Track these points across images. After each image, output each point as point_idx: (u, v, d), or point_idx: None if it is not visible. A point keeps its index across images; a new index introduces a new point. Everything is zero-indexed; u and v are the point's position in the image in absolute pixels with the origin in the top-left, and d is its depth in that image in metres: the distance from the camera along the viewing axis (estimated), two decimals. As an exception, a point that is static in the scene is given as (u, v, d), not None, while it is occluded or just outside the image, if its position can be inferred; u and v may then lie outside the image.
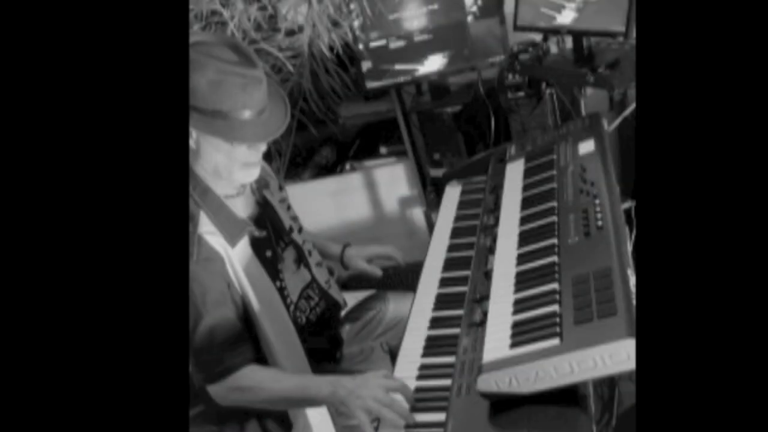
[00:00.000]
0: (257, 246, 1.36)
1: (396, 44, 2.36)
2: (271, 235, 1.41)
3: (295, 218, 1.54)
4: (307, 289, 1.47)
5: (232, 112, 1.21)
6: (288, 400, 1.29)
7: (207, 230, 1.27)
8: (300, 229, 1.53)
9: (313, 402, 1.28)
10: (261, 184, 1.44)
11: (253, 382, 1.26)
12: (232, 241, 1.30)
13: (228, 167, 1.27)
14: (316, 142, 2.83)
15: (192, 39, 1.22)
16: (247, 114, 1.22)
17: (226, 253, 1.29)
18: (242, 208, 1.39)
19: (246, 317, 1.34)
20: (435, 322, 1.35)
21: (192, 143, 1.24)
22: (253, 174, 1.33)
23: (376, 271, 1.52)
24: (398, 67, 2.38)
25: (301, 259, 1.47)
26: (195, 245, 1.23)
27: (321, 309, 1.50)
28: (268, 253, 1.37)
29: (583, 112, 1.97)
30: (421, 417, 1.14)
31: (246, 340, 1.30)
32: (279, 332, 1.36)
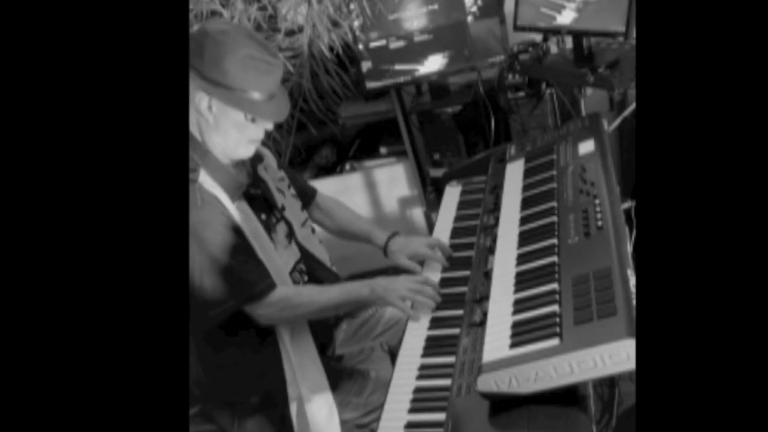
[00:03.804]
0: (253, 206, 1.44)
1: (396, 44, 2.36)
2: (264, 201, 1.48)
3: (295, 197, 1.60)
4: (299, 263, 1.51)
5: (254, 92, 1.34)
6: (335, 307, 1.45)
7: (207, 183, 1.36)
8: (307, 202, 1.63)
9: (358, 303, 1.46)
10: (255, 159, 1.50)
11: (301, 298, 1.41)
12: (232, 196, 1.39)
13: (237, 142, 1.39)
14: (316, 142, 2.83)
15: (216, 27, 1.34)
16: (265, 95, 1.35)
17: (225, 204, 1.37)
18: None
19: None
20: (435, 322, 1.35)
21: (210, 118, 1.35)
22: (252, 150, 1.44)
23: (416, 268, 1.54)
24: (398, 67, 2.38)
25: (291, 235, 1.51)
26: (197, 192, 1.33)
27: None
28: (263, 216, 1.46)
29: (583, 112, 1.97)
30: (421, 417, 1.14)
31: (263, 264, 1.39)
32: (280, 282, 1.41)
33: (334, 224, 1.71)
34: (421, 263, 1.56)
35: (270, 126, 1.40)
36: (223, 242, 1.34)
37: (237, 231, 1.36)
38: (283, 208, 1.53)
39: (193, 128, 1.38)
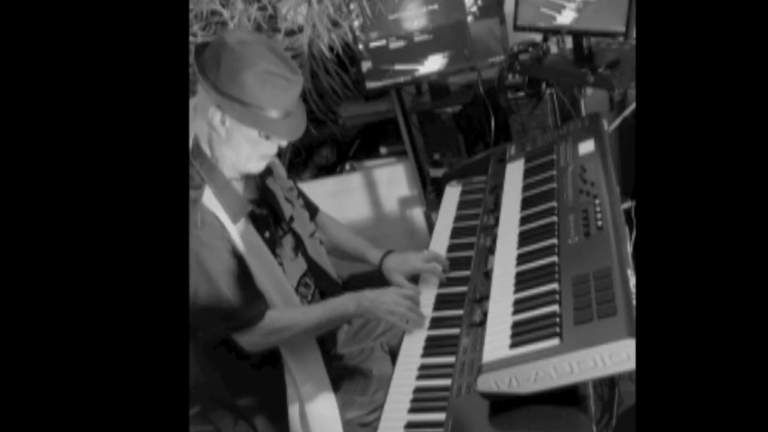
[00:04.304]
0: (257, 225, 1.41)
1: (396, 44, 2.36)
2: (270, 218, 1.46)
3: (304, 207, 1.58)
4: (305, 276, 1.50)
5: (271, 109, 1.29)
6: (322, 326, 1.40)
7: (210, 202, 1.33)
8: (310, 218, 1.59)
9: (344, 318, 1.43)
10: (264, 172, 1.48)
11: (285, 322, 1.36)
12: (235, 217, 1.35)
13: (249, 157, 1.35)
14: (316, 142, 2.83)
15: (235, 38, 1.28)
16: (282, 113, 1.31)
17: (226, 225, 1.35)
18: (242, 190, 1.44)
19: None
20: (435, 322, 1.35)
21: (223, 132, 1.31)
22: (262, 166, 1.41)
23: (416, 289, 1.52)
24: (398, 67, 2.38)
25: (299, 247, 1.50)
26: (198, 212, 1.30)
27: (317, 300, 1.52)
28: (267, 234, 1.43)
29: (583, 112, 1.97)
30: (421, 417, 1.14)
31: (258, 291, 1.37)
32: (284, 300, 1.40)
33: (328, 241, 1.68)
34: (416, 279, 1.54)
35: (284, 143, 1.37)
36: (220, 266, 1.31)
37: (235, 255, 1.34)
38: (291, 219, 1.50)
39: (203, 142, 1.35)
